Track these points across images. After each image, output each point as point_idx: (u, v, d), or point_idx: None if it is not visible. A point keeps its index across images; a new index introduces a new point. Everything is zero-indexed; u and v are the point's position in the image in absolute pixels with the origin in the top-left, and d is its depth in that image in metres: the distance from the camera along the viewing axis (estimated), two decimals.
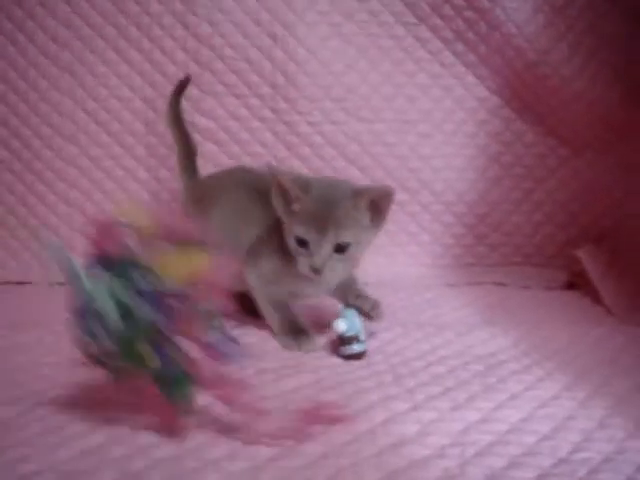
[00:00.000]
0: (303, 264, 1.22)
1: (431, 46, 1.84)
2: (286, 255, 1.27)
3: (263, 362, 1.19)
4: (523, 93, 1.84)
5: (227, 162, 1.83)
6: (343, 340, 1.21)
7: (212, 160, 1.80)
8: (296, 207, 1.23)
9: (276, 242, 1.29)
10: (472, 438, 0.92)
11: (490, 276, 1.88)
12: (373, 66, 1.84)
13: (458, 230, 1.92)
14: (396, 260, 1.90)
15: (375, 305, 1.31)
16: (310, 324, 1.33)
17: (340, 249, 1.21)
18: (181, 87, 1.65)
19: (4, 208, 1.88)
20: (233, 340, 0.91)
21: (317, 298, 1.41)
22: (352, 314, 1.22)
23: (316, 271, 1.20)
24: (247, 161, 1.83)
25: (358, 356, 1.21)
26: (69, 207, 1.88)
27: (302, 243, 1.21)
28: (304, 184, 1.23)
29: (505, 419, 0.98)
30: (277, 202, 1.26)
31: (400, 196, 1.85)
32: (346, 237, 1.21)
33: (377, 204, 1.24)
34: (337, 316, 1.23)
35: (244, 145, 1.85)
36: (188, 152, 1.64)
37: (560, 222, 1.92)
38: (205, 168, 1.69)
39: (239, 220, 1.39)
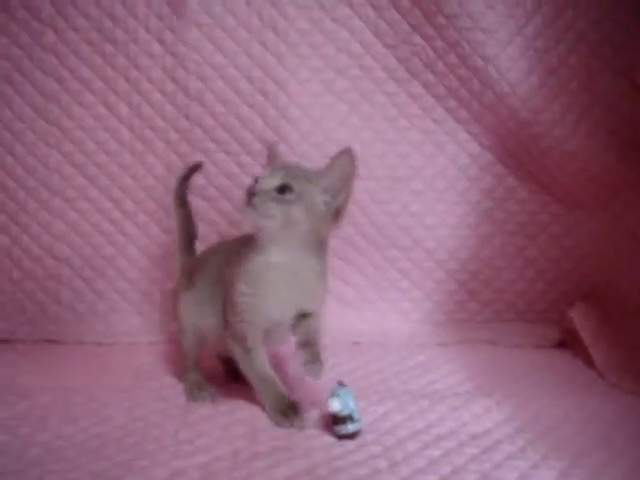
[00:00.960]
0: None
1: (424, 102, 1.82)
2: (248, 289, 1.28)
3: (255, 444, 1.17)
4: (516, 151, 1.83)
5: (216, 219, 1.82)
6: (337, 419, 1.18)
7: (201, 216, 1.78)
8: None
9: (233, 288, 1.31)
10: None
11: (481, 333, 1.87)
12: (365, 123, 1.83)
13: (450, 287, 1.90)
14: (387, 317, 1.88)
15: (317, 363, 1.26)
16: (302, 399, 1.32)
17: (282, 189, 1.23)
18: (190, 172, 1.61)
19: None
20: None
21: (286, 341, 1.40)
22: (346, 393, 1.19)
23: (250, 196, 1.22)
24: (237, 218, 1.80)
25: (352, 436, 1.18)
26: (56, 261, 1.86)
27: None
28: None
29: None
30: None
31: (392, 253, 1.86)
32: (294, 183, 1.23)
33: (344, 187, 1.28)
34: (330, 394, 1.20)
35: (235, 202, 1.82)
36: (188, 234, 1.61)
37: (551, 278, 1.91)
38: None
39: (217, 287, 1.38)
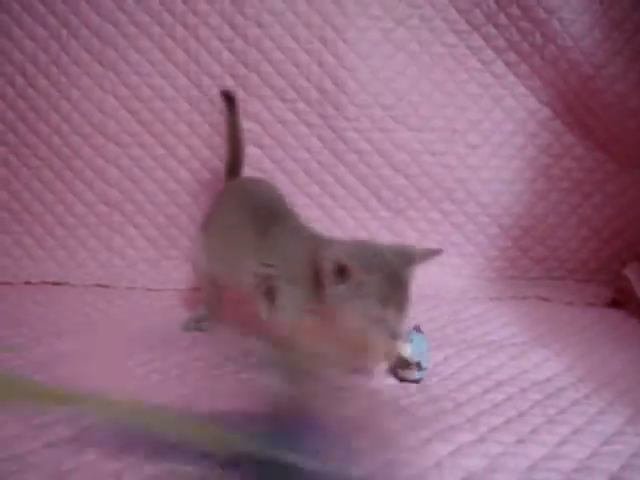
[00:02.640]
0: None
1: (483, 55, 1.81)
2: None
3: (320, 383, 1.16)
4: (575, 106, 1.81)
5: (270, 167, 1.81)
6: (404, 363, 1.18)
7: (255, 164, 1.79)
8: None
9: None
10: (540, 477, 0.89)
11: (533, 290, 1.85)
12: (423, 74, 1.81)
13: (503, 242, 1.89)
14: (438, 271, 1.85)
15: None
16: None
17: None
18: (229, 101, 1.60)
19: (41, 206, 1.85)
20: None
21: None
22: (420, 339, 1.19)
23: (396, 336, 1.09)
24: (291, 167, 1.81)
25: (415, 382, 1.18)
26: (109, 207, 1.85)
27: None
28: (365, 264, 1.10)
29: (571, 456, 0.95)
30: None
31: (446, 206, 1.85)
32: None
33: None
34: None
35: (289, 150, 1.82)
36: (233, 157, 1.61)
37: (605, 237, 1.89)
38: (247, 172, 1.67)
39: (232, 235, 1.37)
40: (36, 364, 1.21)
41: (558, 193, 1.87)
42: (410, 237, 1.87)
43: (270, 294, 1.22)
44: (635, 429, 1.04)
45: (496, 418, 1.05)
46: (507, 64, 1.81)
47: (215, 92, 1.78)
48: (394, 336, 1.08)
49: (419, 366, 1.18)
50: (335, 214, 1.86)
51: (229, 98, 1.60)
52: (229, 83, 1.79)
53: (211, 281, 1.48)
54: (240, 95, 1.76)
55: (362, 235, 1.84)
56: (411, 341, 1.18)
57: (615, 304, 1.80)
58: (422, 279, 1.77)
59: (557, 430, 1.02)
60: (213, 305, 1.50)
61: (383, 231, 1.86)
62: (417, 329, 1.21)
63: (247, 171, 1.67)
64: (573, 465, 0.93)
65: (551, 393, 1.16)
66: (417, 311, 1.60)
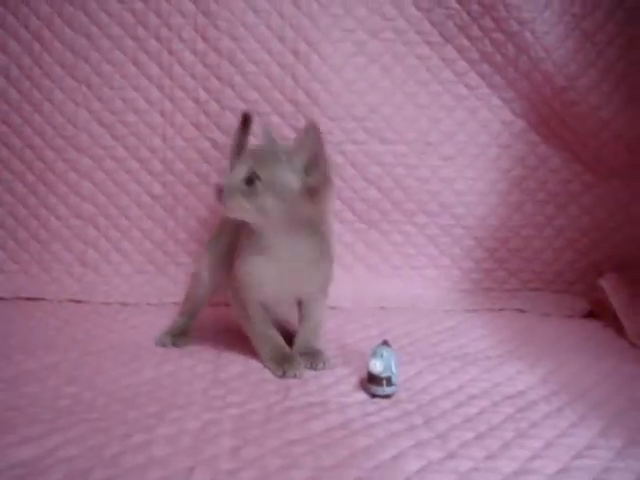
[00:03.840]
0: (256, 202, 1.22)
1: (457, 67, 1.81)
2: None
3: (288, 399, 1.15)
4: (549, 118, 1.81)
5: None
6: (374, 379, 1.17)
7: None
8: None
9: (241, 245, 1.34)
10: None
11: (510, 302, 1.84)
12: (397, 86, 1.81)
13: (478, 254, 1.89)
14: (414, 283, 1.87)
15: (323, 361, 1.33)
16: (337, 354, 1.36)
17: (249, 181, 1.21)
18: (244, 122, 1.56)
19: (14, 220, 1.84)
20: None
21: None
22: (389, 355, 1.18)
23: (219, 193, 1.22)
24: None
25: (386, 397, 1.17)
26: (83, 221, 1.84)
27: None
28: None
29: (541, 470, 0.94)
30: None
31: (420, 219, 1.85)
32: (260, 171, 1.21)
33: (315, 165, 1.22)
34: (372, 353, 1.18)
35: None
36: None
37: (581, 249, 1.89)
38: None
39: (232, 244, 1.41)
40: (3, 382, 1.20)
41: (533, 205, 1.87)
42: (385, 249, 1.87)
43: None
44: (607, 442, 1.03)
45: (467, 433, 1.04)
46: (481, 76, 1.81)
47: (188, 105, 1.79)
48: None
49: (389, 381, 1.16)
50: None
51: (247, 119, 1.54)
52: (202, 96, 1.79)
53: (204, 288, 1.48)
54: (214, 109, 1.77)
55: (337, 248, 1.83)
56: (381, 356, 1.17)
57: (591, 315, 1.80)
58: (397, 290, 1.81)
59: (528, 444, 1.01)
60: (193, 317, 1.50)
61: (359, 243, 1.86)
62: (386, 344, 1.20)
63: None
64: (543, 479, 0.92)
65: (523, 407, 1.15)
66: (393, 324, 1.64)
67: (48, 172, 1.83)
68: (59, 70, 1.80)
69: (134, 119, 1.81)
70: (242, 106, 1.77)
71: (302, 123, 1.73)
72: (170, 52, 1.79)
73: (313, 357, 1.32)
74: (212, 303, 1.55)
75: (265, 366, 1.31)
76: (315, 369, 1.30)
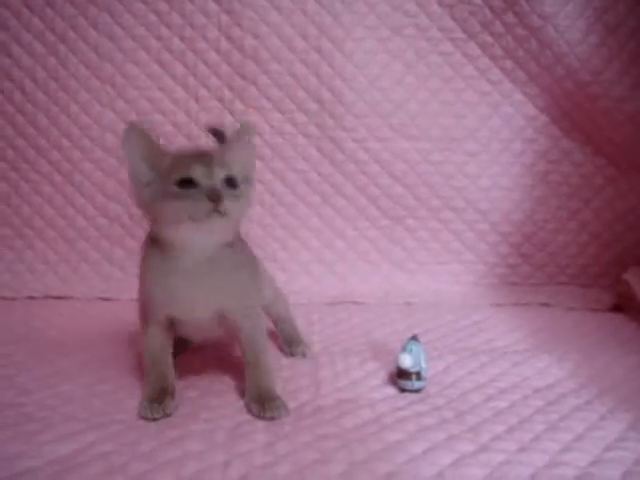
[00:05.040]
0: (196, 207, 0.99)
1: (480, 63, 1.81)
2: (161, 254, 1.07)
3: (319, 397, 1.16)
4: (572, 112, 1.81)
5: (270, 177, 1.82)
6: (403, 374, 1.17)
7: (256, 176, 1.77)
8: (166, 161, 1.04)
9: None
10: None
11: (535, 296, 1.84)
12: (420, 82, 1.82)
13: (503, 249, 1.89)
14: (439, 278, 1.88)
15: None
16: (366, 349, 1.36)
17: (232, 183, 1.03)
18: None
19: (42, 220, 1.87)
20: None
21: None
22: (419, 349, 1.18)
23: (216, 198, 0.98)
24: (291, 178, 1.81)
25: (415, 391, 1.18)
26: (109, 220, 1.88)
27: (186, 183, 1.00)
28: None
29: (573, 463, 0.94)
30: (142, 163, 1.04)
31: (445, 214, 1.84)
32: (234, 174, 1.04)
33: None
34: (402, 348, 1.18)
35: (289, 161, 1.83)
36: None
37: (605, 242, 1.89)
38: None
39: None
40: (37, 381, 1.21)
41: (557, 199, 1.88)
42: (410, 245, 1.88)
43: None
44: (637, 435, 1.03)
45: (498, 426, 1.05)
46: (504, 71, 1.81)
47: (213, 104, 1.80)
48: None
49: (419, 376, 1.17)
50: (335, 224, 1.86)
51: (217, 133, 1.34)
52: (227, 95, 1.80)
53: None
54: (238, 107, 1.78)
55: (362, 244, 1.85)
56: (410, 351, 1.17)
57: (617, 309, 1.80)
58: (421, 286, 1.82)
59: (559, 437, 1.02)
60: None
61: (383, 240, 1.87)
62: (415, 338, 1.21)
63: None
64: (575, 472, 0.92)
65: (553, 400, 1.15)
66: (418, 319, 1.63)
67: (75, 172, 1.85)
68: (84, 71, 1.82)
69: (160, 119, 1.83)
70: (267, 105, 1.80)
71: (327, 121, 1.78)
72: (194, 51, 1.80)
73: (268, 404, 1.07)
74: None
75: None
76: (272, 418, 1.06)
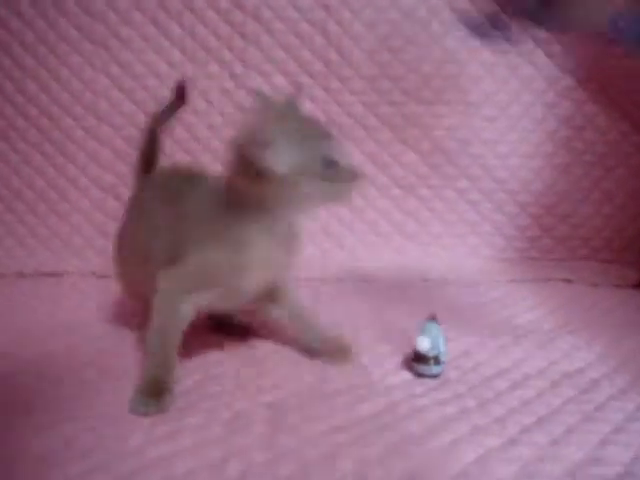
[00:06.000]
0: (342, 189, 1.00)
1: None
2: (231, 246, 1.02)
3: (329, 382, 1.06)
4: (597, 74, 1.71)
5: None
6: (421, 358, 1.07)
7: None
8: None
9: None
10: None
11: (556, 272, 1.74)
12: (435, 41, 1.71)
13: (522, 221, 1.79)
14: (455, 252, 1.79)
15: (346, 350, 1.17)
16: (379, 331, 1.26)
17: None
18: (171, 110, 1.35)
19: (33, 193, 1.77)
20: None
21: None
22: (437, 331, 1.08)
23: (356, 177, 1.00)
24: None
25: (434, 376, 1.08)
26: (103, 192, 1.77)
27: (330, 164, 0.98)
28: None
29: (614, 458, 0.84)
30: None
31: (461, 183, 1.76)
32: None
33: None
34: (419, 330, 1.09)
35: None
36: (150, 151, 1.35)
37: (630, 215, 1.79)
38: None
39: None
40: (27, 363, 1.14)
41: (580, 167, 1.77)
42: (423, 216, 1.79)
43: None
44: None
45: (527, 417, 0.95)
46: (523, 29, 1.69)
47: (211, 68, 1.71)
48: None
49: (437, 360, 1.07)
50: None
51: (181, 91, 1.34)
52: (226, 57, 1.71)
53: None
54: (238, 70, 1.69)
55: (371, 215, 1.75)
56: (428, 333, 1.07)
57: None
58: (436, 259, 1.72)
59: (595, 429, 0.92)
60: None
61: (394, 210, 1.78)
62: (433, 318, 1.10)
63: None
64: (617, 469, 0.82)
65: (585, 387, 1.05)
66: (434, 296, 1.55)
67: (66, 141, 1.76)
68: (75, 33, 1.72)
69: (155, 83, 1.73)
70: (269, 68, 1.71)
71: (334, 84, 1.69)
72: (192, 10, 1.70)
73: (343, 349, 1.16)
74: None
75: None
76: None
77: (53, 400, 0.99)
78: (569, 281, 1.71)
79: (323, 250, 1.77)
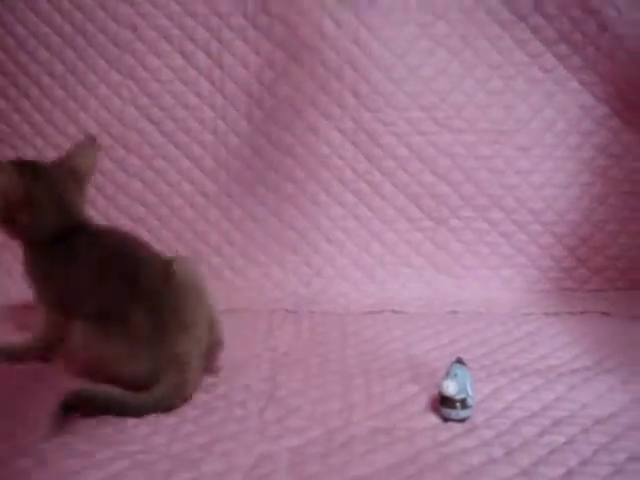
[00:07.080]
0: None
1: (531, 48, 1.69)
2: None
3: (351, 425, 1.04)
4: (635, 102, 1.67)
5: (302, 176, 1.74)
6: (447, 401, 1.05)
7: (287, 174, 1.74)
8: None
9: None
10: None
11: (593, 304, 1.69)
12: (466, 71, 1.70)
13: (558, 252, 1.76)
14: (488, 285, 1.75)
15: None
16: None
17: None
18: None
19: None
20: None
21: None
22: (463, 373, 1.05)
23: None
24: (325, 176, 1.72)
25: (460, 420, 1.04)
26: (133, 223, 1.77)
27: None
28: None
29: None
30: None
31: (494, 214, 1.74)
32: None
33: None
34: (446, 373, 1.07)
35: (321, 158, 1.73)
36: None
37: None
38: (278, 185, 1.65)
39: None
40: None
41: (618, 197, 1.74)
42: (455, 249, 1.76)
43: None
44: None
45: (555, 468, 0.91)
46: (558, 57, 1.69)
47: (242, 100, 1.72)
48: None
49: (464, 404, 1.04)
50: (372, 226, 1.75)
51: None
52: (256, 90, 1.71)
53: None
54: (269, 103, 1.69)
55: (403, 248, 1.73)
56: (455, 376, 1.05)
57: None
58: (469, 292, 1.68)
59: None
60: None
61: (426, 242, 1.75)
62: (460, 362, 1.07)
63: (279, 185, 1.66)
64: None
65: (618, 434, 1.01)
66: (465, 331, 1.50)
67: (96, 172, 1.74)
68: (104, 64, 1.74)
69: (184, 114, 1.74)
70: (299, 98, 1.69)
71: (364, 115, 1.69)
72: (219, 41, 1.71)
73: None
74: None
75: None
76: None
77: None
78: (606, 314, 1.66)
79: (353, 283, 1.75)
